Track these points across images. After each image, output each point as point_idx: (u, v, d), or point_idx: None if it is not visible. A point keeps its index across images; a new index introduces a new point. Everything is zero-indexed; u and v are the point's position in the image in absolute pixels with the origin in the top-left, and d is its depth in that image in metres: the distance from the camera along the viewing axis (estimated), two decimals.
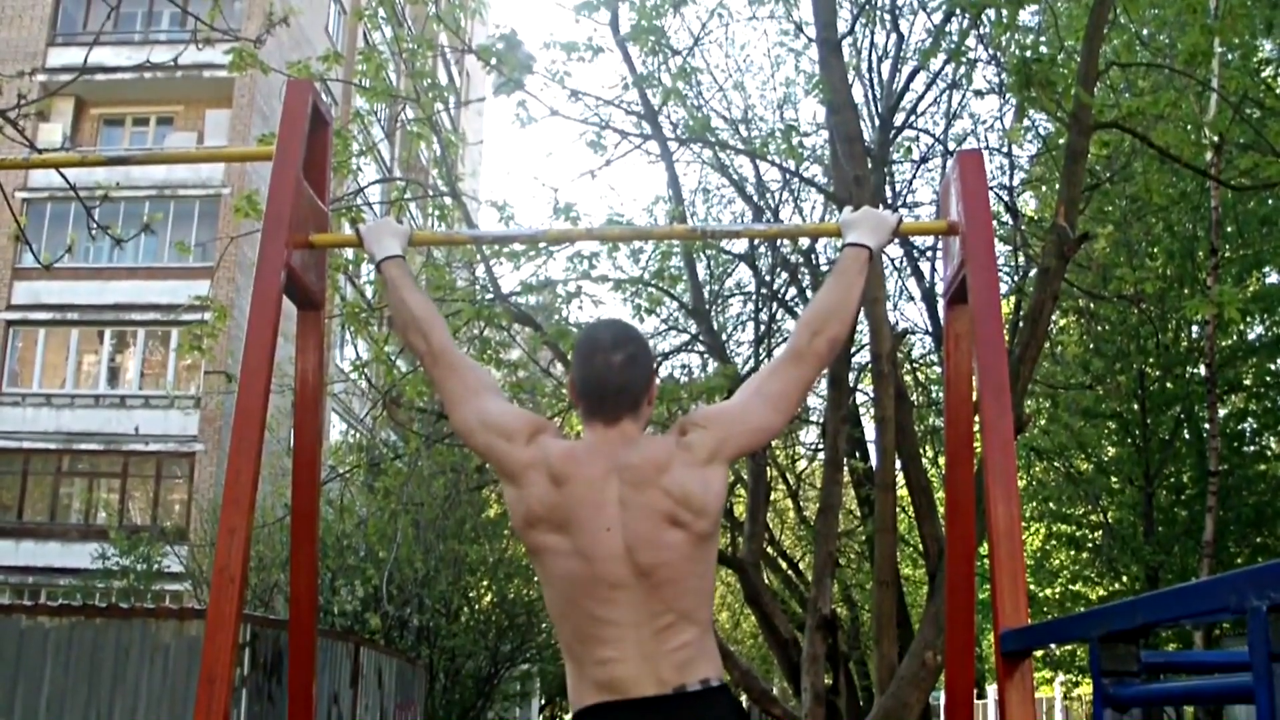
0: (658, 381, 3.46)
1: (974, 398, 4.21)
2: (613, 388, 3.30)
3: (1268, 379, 22.16)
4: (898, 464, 11.66)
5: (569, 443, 3.36)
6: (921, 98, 14.11)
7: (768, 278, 15.23)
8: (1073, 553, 25.11)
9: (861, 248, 3.75)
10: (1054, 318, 14.42)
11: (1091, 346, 21.22)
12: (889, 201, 13.73)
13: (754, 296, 15.91)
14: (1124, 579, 22.90)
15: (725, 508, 13.32)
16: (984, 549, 3.99)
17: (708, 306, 14.19)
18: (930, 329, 15.16)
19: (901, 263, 15.44)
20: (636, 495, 3.17)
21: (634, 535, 3.14)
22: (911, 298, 20.77)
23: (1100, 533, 23.88)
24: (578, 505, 3.17)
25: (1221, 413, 20.75)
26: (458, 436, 3.40)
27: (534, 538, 3.22)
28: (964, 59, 11.93)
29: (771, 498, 17.49)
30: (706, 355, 15.06)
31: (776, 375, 3.46)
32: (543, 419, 3.49)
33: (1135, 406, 21.84)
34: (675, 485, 3.19)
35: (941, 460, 14.75)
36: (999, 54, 11.54)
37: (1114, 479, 23.70)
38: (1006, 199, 13.11)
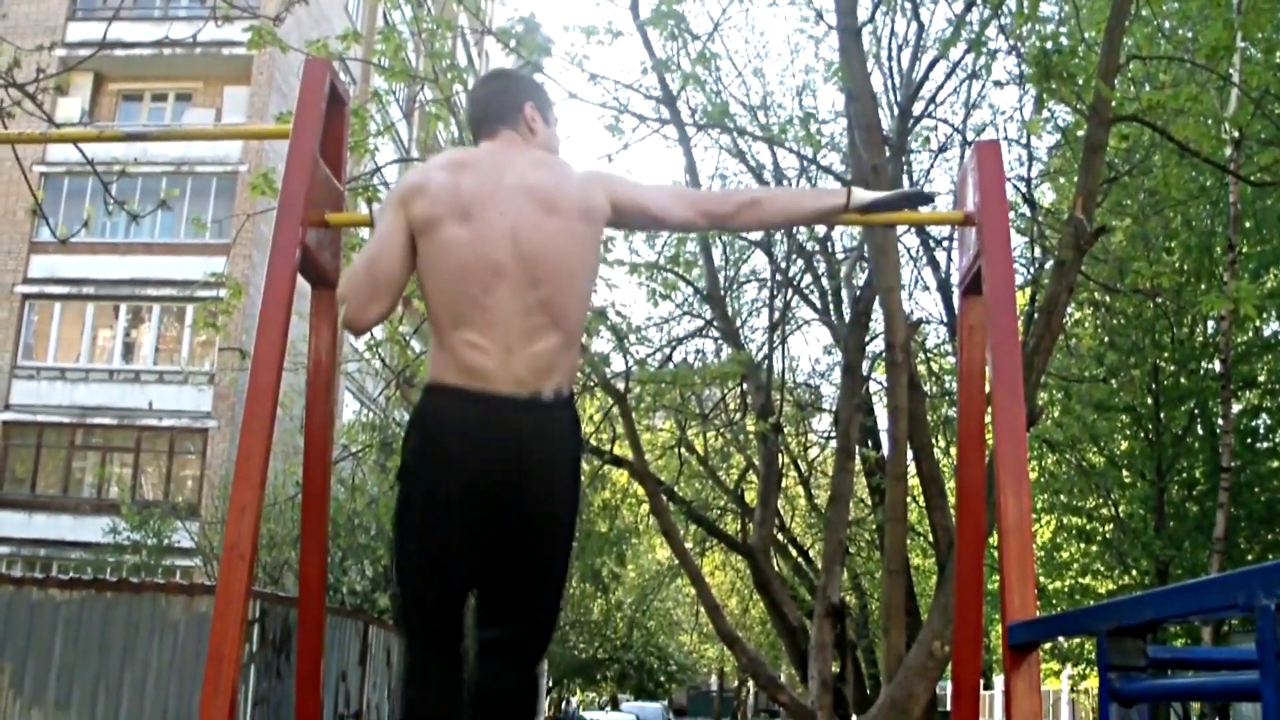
0: (540, 106, 3.70)
1: (987, 389, 4.20)
2: (483, 109, 3.67)
3: None
4: (909, 454, 11.65)
5: (462, 147, 3.68)
6: (941, 87, 14.05)
7: (783, 264, 15.21)
8: (1083, 546, 25.06)
9: (842, 195, 3.86)
10: (1069, 310, 14.38)
11: (1106, 340, 21.16)
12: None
13: (769, 283, 15.89)
14: (1133, 573, 22.86)
15: (737, 493, 13.31)
16: (994, 540, 3.99)
17: (723, 292, 14.18)
18: (945, 319, 15.13)
19: (917, 252, 15.41)
20: (523, 184, 3.39)
21: (520, 219, 3.32)
22: (927, 287, 20.78)
23: (1111, 526, 23.83)
24: (474, 190, 3.37)
25: (1235, 409, 20.69)
26: (386, 254, 3.44)
27: (436, 232, 3.34)
28: (984, 49, 11.88)
29: (783, 485, 17.49)
30: (720, 341, 15.06)
31: (698, 193, 3.99)
32: None
33: (1149, 401, 21.79)
34: (563, 182, 3.44)
35: (953, 450, 14.71)
36: (1019, 45, 11.49)
37: (1126, 473, 23.65)
38: (1024, 190, 13.06)
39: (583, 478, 3.66)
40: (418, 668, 3.40)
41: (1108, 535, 23.94)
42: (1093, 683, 31.71)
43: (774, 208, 3.90)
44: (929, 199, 4.17)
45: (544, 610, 3.44)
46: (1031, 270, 14.05)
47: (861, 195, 3.86)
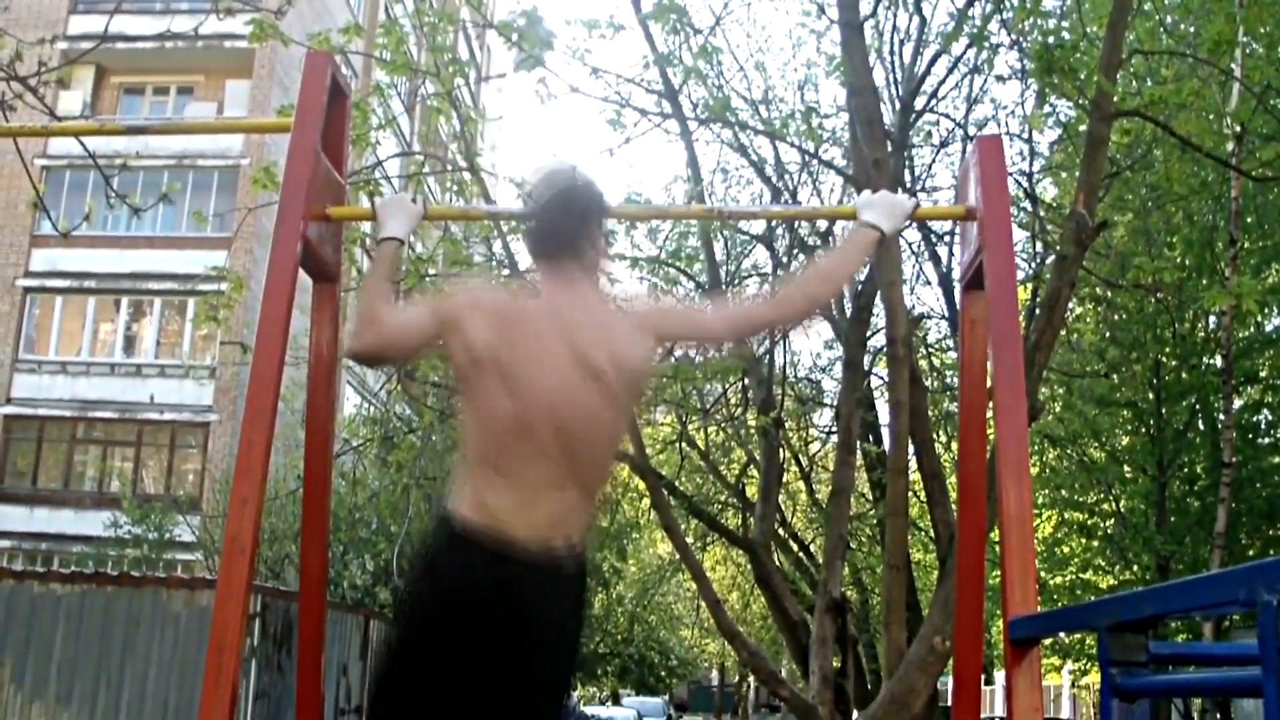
0: (603, 226, 3.60)
1: (988, 384, 4.20)
2: (554, 233, 3.48)
3: None
4: (911, 449, 11.65)
5: (516, 294, 3.52)
6: (943, 82, 14.04)
7: (784, 259, 15.19)
8: (1084, 541, 25.07)
9: (873, 229, 3.79)
10: (1071, 305, 14.37)
11: (1108, 335, 21.15)
12: (908, 185, 13.69)
13: (771, 278, 15.88)
14: (1134, 568, 22.87)
15: (738, 488, 13.33)
16: (995, 535, 3.98)
17: (724, 287, 14.17)
18: (946, 314, 15.12)
19: (919, 247, 15.40)
20: (571, 345, 3.31)
21: (562, 384, 3.27)
22: (928, 282, 20.86)
23: (1112, 521, 23.84)
24: (519, 348, 3.29)
25: (1237, 404, 20.69)
26: (406, 339, 3.45)
27: (475, 378, 3.31)
28: (986, 44, 11.88)
29: (784, 479, 17.49)
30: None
31: (746, 305, 3.65)
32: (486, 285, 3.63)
33: (1150, 396, 21.78)
34: (609, 345, 3.34)
35: (954, 445, 14.72)
36: (1021, 39, 11.49)
37: (1127, 468, 23.65)
38: (1026, 185, 13.06)
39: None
40: None
41: (1109, 530, 23.94)
42: (1094, 678, 31.73)
43: (822, 283, 3.70)
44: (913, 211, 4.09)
45: None
46: (1033, 265, 14.03)
47: (871, 216, 3.81)
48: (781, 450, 15.68)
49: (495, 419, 3.27)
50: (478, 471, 3.31)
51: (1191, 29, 14.01)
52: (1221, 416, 19.27)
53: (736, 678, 63.27)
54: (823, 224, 14.15)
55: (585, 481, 3.33)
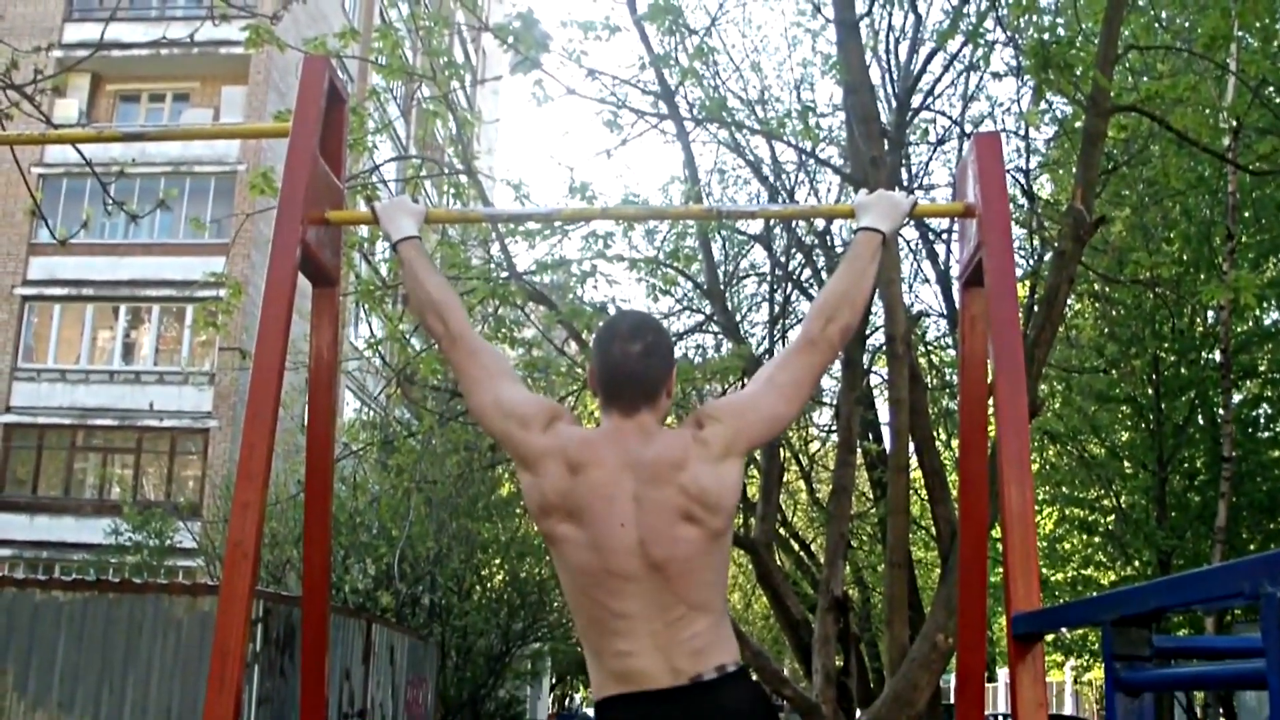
0: (675, 372, 3.45)
1: (988, 380, 4.20)
2: (630, 377, 3.31)
3: None
4: (911, 446, 11.65)
5: (586, 431, 3.36)
6: (939, 79, 14.07)
7: (783, 259, 15.21)
8: (1085, 537, 25.08)
9: (874, 233, 3.74)
10: (1069, 301, 14.38)
11: (1106, 330, 21.16)
12: (905, 183, 13.70)
13: (769, 277, 15.89)
14: (1136, 564, 22.88)
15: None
16: (996, 532, 3.99)
17: (722, 287, 14.17)
18: (945, 311, 15.13)
19: (917, 245, 15.43)
20: (651, 491, 3.17)
21: (647, 530, 3.14)
22: (927, 280, 20.79)
23: (1113, 517, 23.84)
24: (591, 496, 3.17)
25: (1236, 398, 20.70)
26: (474, 419, 3.43)
27: (548, 526, 3.24)
28: (982, 41, 11.88)
29: (784, 479, 17.49)
30: (721, 336, 15.06)
31: (789, 364, 3.47)
32: (559, 406, 3.50)
33: (1150, 391, 21.79)
34: (691, 482, 3.19)
35: (955, 443, 14.73)
36: (1017, 36, 11.50)
37: (1127, 463, 23.66)
38: (1023, 182, 13.07)
39: None
40: None
41: (1110, 526, 23.95)
42: (1096, 674, 31.78)
43: (843, 301, 3.56)
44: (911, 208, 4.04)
45: None
46: (1031, 262, 14.04)
47: (870, 219, 3.77)
48: (782, 449, 15.68)
49: (586, 571, 3.18)
50: (597, 641, 3.20)
51: (1187, 24, 14.02)
52: (1221, 411, 19.28)
53: None
54: (820, 223, 14.17)
55: (703, 607, 3.19)
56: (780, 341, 15.56)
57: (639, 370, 3.32)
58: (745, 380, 14.35)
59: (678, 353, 14.82)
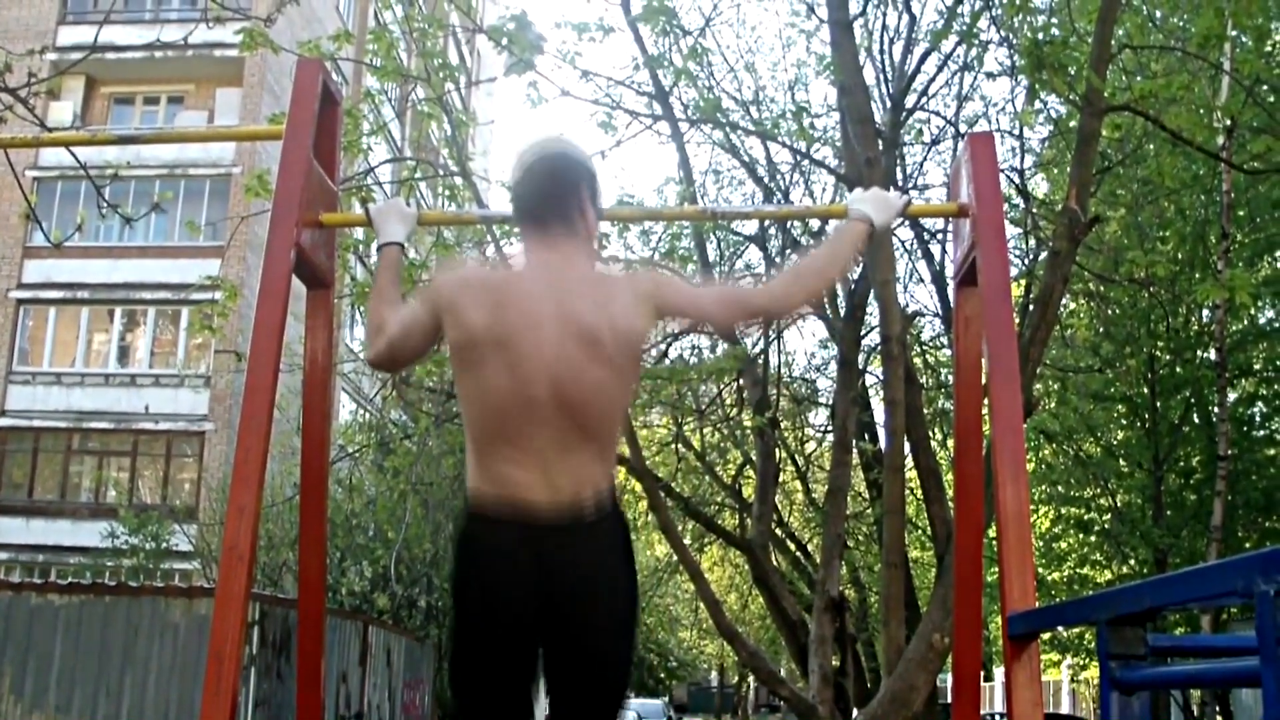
0: (593, 190, 3.56)
1: (983, 381, 4.20)
2: (542, 199, 3.47)
3: (1278, 364, 22.11)
4: (907, 446, 11.65)
5: (506, 268, 3.56)
6: (933, 80, 14.08)
7: (778, 259, 15.20)
8: (1081, 536, 25.11)
9: (863, 221, 3.79)
10: (1064, 301, 14.37)
11: (1101, 330, 21.16)
12: (900, 183, 13.71)
13: (764, 278, 15.88)
14: (1132, 562, 22.90)
15: (735, 488, 13.33)
16: (992, 531, 3.99)
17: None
18: (940, 311, 15.13)
19: (912, 245, 15.42)
20: (567, 315, 3.29)
21: (560, 355, 3.25)
22: (921, 280, 20.82)
23: (1109, 516, 23.87)
24: (515, 321, 3.28)
25: (1231, 397, 20.73)
26: (408, 340, 3.48)
27: (472, 357, 3.30)
28: (976, 41, 11.89)
29: (780, 479, 17.49)
30: (715, 336, 15.05)
31: (743, 291, 3.66)
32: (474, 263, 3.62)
33: (1145, 390, 21.81)
34: (605, 311, 3.31)
35: (950, 443, 14.73)
36: (1011, 36, 11.50)
37: (1123, 462, 23.68)
38: (1017, 181, 13.07)
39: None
40: None
41: (1106, 525, 23.97)
42: (1093, 673, 31.78)
43: (817, 274, 3.68)
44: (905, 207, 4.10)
45: (605, 713, 3.40)
46: (1026, 261, 14.05)
47: (863, 209, 3.81)
48: (777, 450, 15.68)
49: (497, 394, 3.26)
50: (486, 449, 3.30)
51: (1181, 23, 14.03)
52: (1216, 410, 19.30)
53: (736, 678, 63.30)
54: (815, 223, 14.16)
55: (595, 439, 3.31)
56: (776, 340, 15.57)
57: (551, 190, 3.46)
58: (740, 380, 14.37)
59: (673, 353, 14.83)
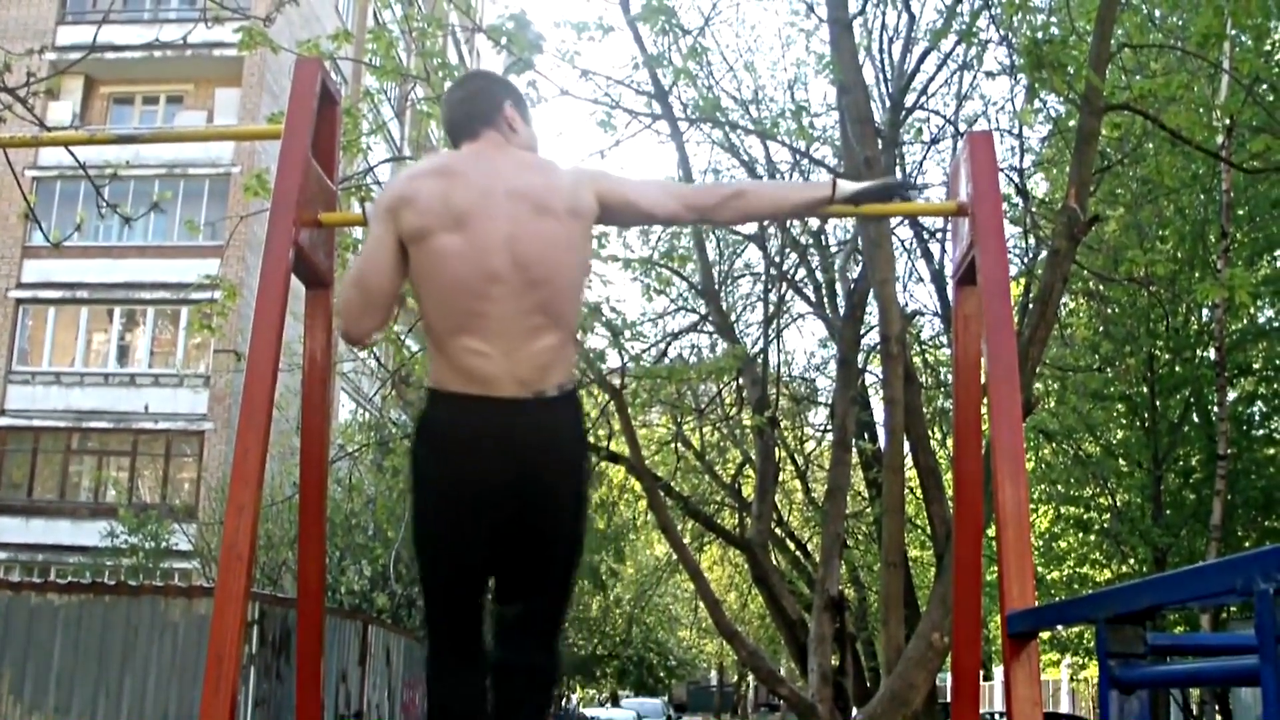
0: (518, 105, 3.67)
1: (983, 380, 4.20)
2: (462, 112, 3.61)
3: (1277, 363, 22.10)
4: (906, 446, 11.65)
5: (446, 151, 3.67)
6: (932, 79, 14.08)
7: (777, 258, 15.21)
8: (1080, 535, 25.11)
9: (828, 187, 3.87)
10: (1063, 300, 14.37)
11: (1101, 329, 21.17)
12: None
13: (763, 277, 15.89)
14: (1131, 561, 22.90)
15: (734, 487, 13.34)
16: (992, 531, 3.99)
17: (717, 287, 14.18)
18: (939, 311, 15.14)
19: (911, 244, 15.42)
20: (514, 188, 3.38)
21: (516, 225, 3.32)
22: (921, 279, 20.78)
23: (1108, 515, 23.86)
24: (468, 196, 3.35)
25: (1231, 396, 20.72)
26: (380, 269, 3.46)
27: (432, 243, 3.34)
28: (975, 40, 11.89)
29: (780, 479, 17.50)
30: (715, 335, 15.07)
31: (684, 187, 3.92)
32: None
33: (1144, 389, 21.81)
34: (547, 181, 3.43)
35: (950, 442, 14.73)
36: (1010, 35, 11.50)
37: (1122, 462, 23.68)
38: (1017, 180, 13.07)
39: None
40: (441, 662, 3.49)
41: (1105, 524, 23.97)
42: (1092, 671, 31.77)
43: (759, 200, 3.90)
44: (910, 186, 4.18)
45: (557, 585, 3.51)
46: (1025, 260, 14.05)
47: (846, 186, 3.87)
48: (777, 449, 15.68)
49: (455, 271, 3.31)
50: (447, 336, 3.34)
51: (1180, 22, 14.03)
52: (1216, 409, 19.30)
53: (735, 677, 63.31)
54: (814, 223, 14.17)
55: (557, 318, 3.37)
56: (776, 340, 15.57)
57: (469, 103, 3.62)
58: (739, 380, 14.37)
59: (672, 352, 14.83)
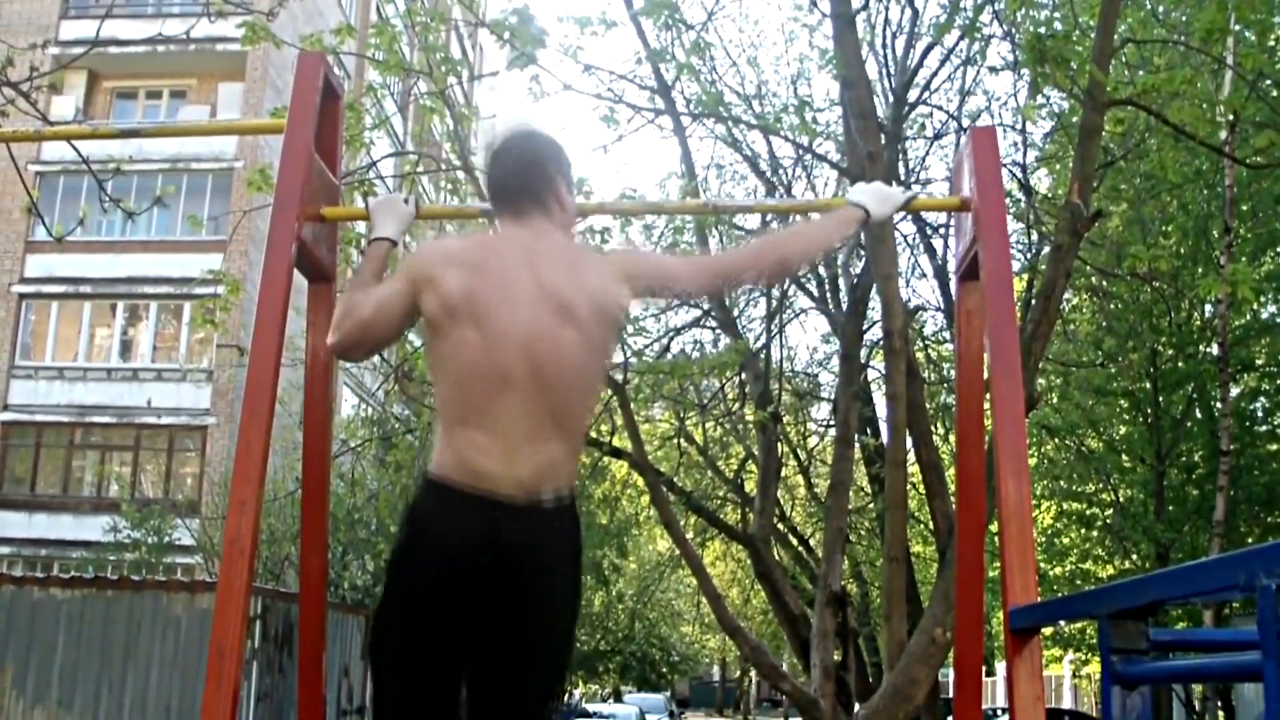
0: (567, 175, 3.56)
1: (985, 375, 4.20)
2: (515, 181, 3.46)
3: None
4: (909, 441, 11.64)
5: (482, 236, 3.55)
6: (935, 74, 14.06)
7: None
8: (1083, 531, 25.11)
9: (859, 208, 3.80)
10: (1066, 295, 14.37)
11: (1104, 324, 21.16)
12: (902, 178, 13.70)
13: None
14: (1134, 557, 22.91)
15: (737, 482, 13.35)
16: (994, 526, 3.99)
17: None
18: (942, 306, 15.13)
19: (914, 239, 15.41)
20: (544, 288, 3.27)
21: (536, 328, 3.23)
22: (924, 275, 20.77)
23: (1111, 511, 23.87)
24: (492, 292, 3.25)
25: (1234, 392, 20.71)
26: (384, 317, 3.39)
27: (450, 330, 3.25)
28: (978, 35, 11.87)
29: (782, 474, 17.50)
30: (718, 331, 15.06)
31: (715, 257, 3.69)
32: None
33: (1147, 385, 21.81)
34: (581, 283, 3.30)
35: (952, 437, 14.72)
36: (1013, 30, 11.49)
37: (1125, 457, 23.68)
38: (1020, 176, 13.06)
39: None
40: None
41: (1108, 520, 23.98)
42: (1095, 668, 31.78)
43: (795, 248, 3.71)
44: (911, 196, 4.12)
45: (531, 713, 3.31)
46: (1028, 256, 14.05)
47: (876, 208, 3.81)
48: (779, 444, 15.68)
49: (469, 365, 3.23)
50: (455, 426, 3.26)
51: (1184, 17, 14.00)
52: (1219, 404, 19.29)
53: (738, 673, 63.37)
54: (816, 216, 14.14)
55: (565, 426, 3.27)
56: (778, 335, 15.56)
57: (524, 173, 3.46)
58: (742, 375, 14.37)
59: (675, 347, 14.83)
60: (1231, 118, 13.74)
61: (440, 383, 3.33)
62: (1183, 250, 19.62)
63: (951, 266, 12.09)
